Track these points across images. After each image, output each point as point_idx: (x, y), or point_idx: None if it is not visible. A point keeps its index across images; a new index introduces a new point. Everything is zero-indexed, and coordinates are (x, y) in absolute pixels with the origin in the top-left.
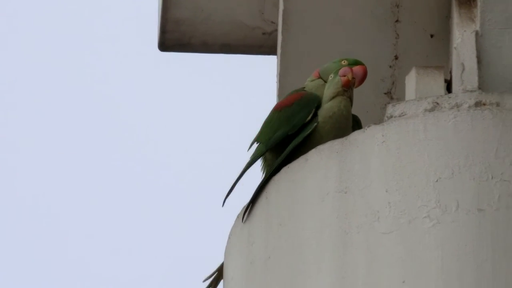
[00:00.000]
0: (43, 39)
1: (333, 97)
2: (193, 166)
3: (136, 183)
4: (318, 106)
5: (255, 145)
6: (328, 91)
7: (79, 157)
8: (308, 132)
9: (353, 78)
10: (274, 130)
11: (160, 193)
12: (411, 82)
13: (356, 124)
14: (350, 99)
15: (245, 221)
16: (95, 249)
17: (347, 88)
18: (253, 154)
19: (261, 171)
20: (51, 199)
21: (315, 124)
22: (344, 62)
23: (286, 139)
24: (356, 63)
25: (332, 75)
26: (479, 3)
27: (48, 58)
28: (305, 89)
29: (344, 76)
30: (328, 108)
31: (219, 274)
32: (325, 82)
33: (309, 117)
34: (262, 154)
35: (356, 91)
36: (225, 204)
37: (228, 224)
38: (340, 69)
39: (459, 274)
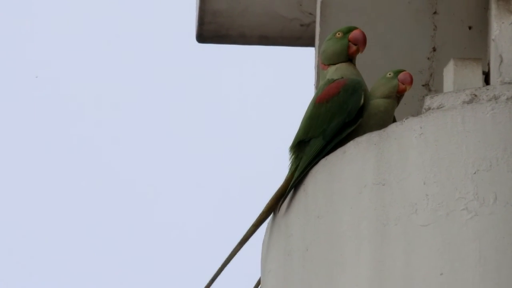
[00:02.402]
0: (80, 32)
1: (384, 97)
2: (231, 157)
3: (172, 171)
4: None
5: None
6: (381, 88)
7: (116, 148)
8: (353, 128)
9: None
10: (328, 121)
11: (199, 186)
12: (449, 74)
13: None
14: (398, 103)
15: (283, 213)
16: None
17: (400, 95)
18: (310, 150)
19: (291, 164)
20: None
21: (360, 119)
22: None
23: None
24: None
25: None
26: None
27: (86, 49)
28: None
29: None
30: (375, 105)
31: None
32: (330, 64)
33: (362, 101)
34: (323, 148)
35: None
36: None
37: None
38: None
39: (497, 266)
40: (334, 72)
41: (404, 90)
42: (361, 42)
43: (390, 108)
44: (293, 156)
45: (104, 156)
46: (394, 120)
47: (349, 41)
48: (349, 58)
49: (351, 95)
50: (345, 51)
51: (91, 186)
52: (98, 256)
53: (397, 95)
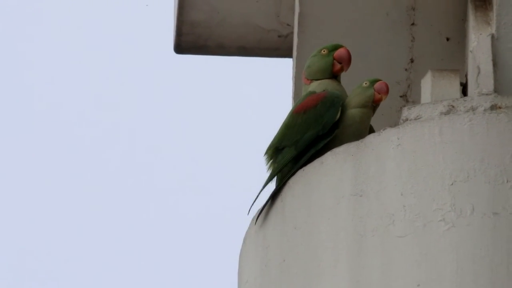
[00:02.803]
0: (57, 41)
1: (359, 106)
2: (208, 168)
3: (151, 185)
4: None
5: (267, 150)
6: (356, 98)
7: (92, 160)
8: (328, 139)
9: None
10: (302, 132)
11: (177, 193)
12: (427, 85)
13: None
14: (373, 111)
15: (260, 224)
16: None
17: (376, 105)
18: (282, 159)
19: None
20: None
21: (336, 131)
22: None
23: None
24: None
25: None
26: (495, 6)
27: (64, 60)
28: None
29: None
30: (351, 115)
31: None
32: (314, 80)
33: (338, 116)
34: (293, 158)
35: None
36: (250, 211)
37: (243, 227)
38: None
39: (474, 278)
40: (317, 86)
41: (380, 100)
42: (346, 61)
43: (365, 118)
44: (269, 163)
45: (86, 160)
46: (372, 130)
47: (334, 58)
48: (334, 75)
49: (328, 108)
50: (329, 68)
51: (88, 189)
52: (100, 256)
53: (373, 105)
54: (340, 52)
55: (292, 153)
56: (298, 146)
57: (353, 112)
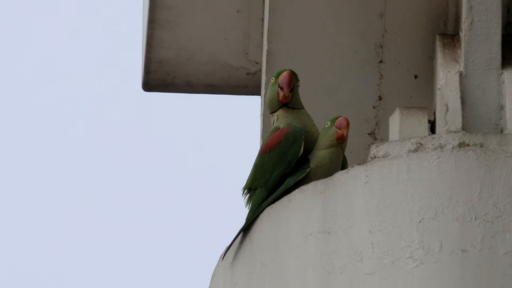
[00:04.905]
0: (22, 78)
1: (326, 147)
2: (177, 206)
3: (121, 224)
4: (307, 140)
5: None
6: (322, 140)
7: (60, 199)
8: (302, 176)
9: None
10: (270, 172)
11: (148, 233)
12: (395, 122)
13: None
14: (343, 149)
15: (228, 261)
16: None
17: (341, 141)
18: (254, 200)
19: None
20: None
21: (308, 169)
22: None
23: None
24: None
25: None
26: (463, 44)
27: (30, 96)
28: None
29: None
30: (321, 156)
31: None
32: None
33: (301, 151)
34: (264, 199)
35: None
36: (225, 256)
37: (212, 264)
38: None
39: None
40: (277, 120)
41: (342, 136)
42: (287, 83)
43: (335, 158)
44: (247, 203)
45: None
46: (344, 167)
47: (279, 86)
48: (283, 104)
49: (291, 145)
50: (275, 97)
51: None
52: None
53: (339, 142)
54: (282, 76)
55: (263, 194)
56: (268, 186)
57: (322, 153)
